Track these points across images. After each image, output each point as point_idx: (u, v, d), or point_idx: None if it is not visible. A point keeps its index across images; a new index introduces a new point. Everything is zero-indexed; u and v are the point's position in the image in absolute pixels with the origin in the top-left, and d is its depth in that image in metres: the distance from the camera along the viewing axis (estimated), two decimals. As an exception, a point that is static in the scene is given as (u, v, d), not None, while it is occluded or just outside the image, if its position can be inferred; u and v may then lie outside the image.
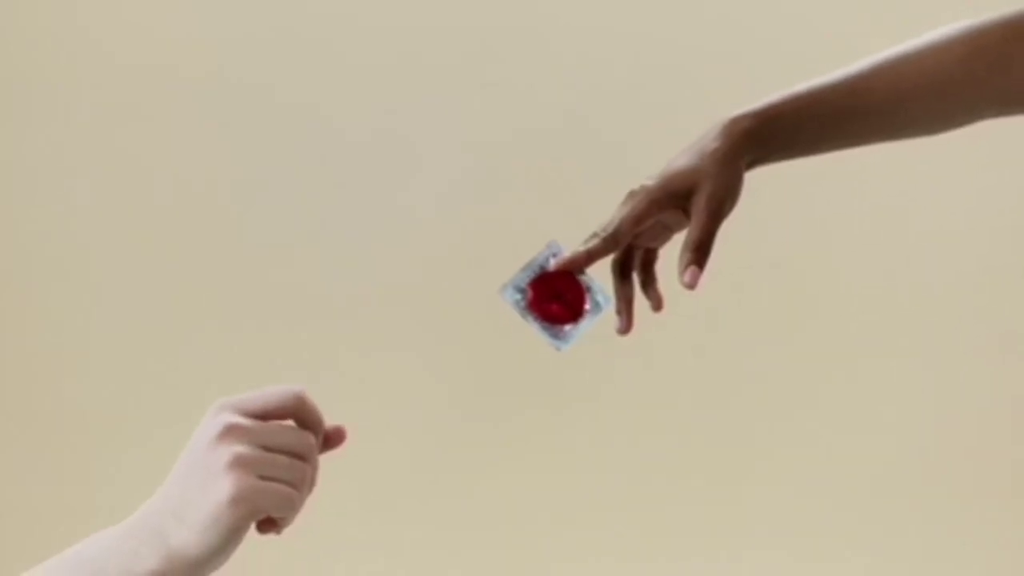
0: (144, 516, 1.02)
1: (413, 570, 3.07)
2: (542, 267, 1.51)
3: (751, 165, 1.54)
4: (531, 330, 1.51)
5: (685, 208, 1.52)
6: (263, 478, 1.01)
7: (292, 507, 1.03)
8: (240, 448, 1.01)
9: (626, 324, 1.54)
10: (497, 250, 3.01)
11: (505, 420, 3.07)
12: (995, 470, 3.01)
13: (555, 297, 1.50)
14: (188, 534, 0.99)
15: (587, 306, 1.50)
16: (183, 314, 3.11)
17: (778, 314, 3.04)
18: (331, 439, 1.09)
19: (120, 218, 3.12)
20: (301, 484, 1.03)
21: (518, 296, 1.50)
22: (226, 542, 0.99)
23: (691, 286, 1.49)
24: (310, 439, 1.05)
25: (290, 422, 1.06)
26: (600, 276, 1.53)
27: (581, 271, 1.51)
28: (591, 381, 2.99)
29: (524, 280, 1.51)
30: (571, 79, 3.06)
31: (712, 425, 3.05)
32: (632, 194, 1.52)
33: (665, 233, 1.56)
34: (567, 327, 1.50)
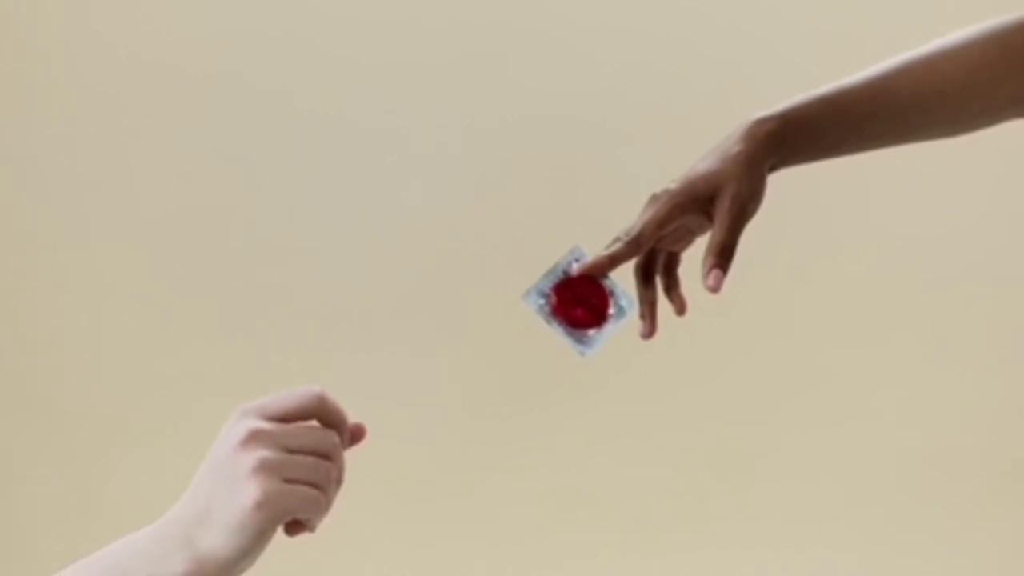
0: (170, 522, 1.03)
1: (424, 568, 3.07)
2: (565, 272, 1.51)
3: (774, 168, 1.54)
4: (555, 335, 1.50)
5: (708, 212, 1.51)
6: (288, 481, 1.01)
7: (318, 508, 1.03)
8: (264, 452, 1.01)
9: (650, 328, 1.54)
10: (502, 249, 3.02)
11: (513, 418, 3.07)
12: (1000, 465, 3.02)
13: (579, 302, 1.50)
14: (216, 538, 1.00)
15: (611, 311, 1.50)
16: (188, 315, 3.11)
17: (781, 309, 3.04)
18: (354, 435, 1.10)
19: (125, 217, 3.12)
20: (327, 484, 1.04)
21: (542, 301, 1.50)
22: (253, 545, 1.00)
23: (715, 290, 1.49)
24: (333, 437, 1.06)
25: (313, 422, 1.07)
26: (623, 280, 1.53)
27: (604, 275, 1.51)
28: (598, 377, 2.99)
29: (547, 285, 1.50)
30: (574, 76, 3.05)
31: (726, 423, 3.06)
32: (655, 198, 1.52)
33: (688, 237, 1.56)
34: (591, 332, 1.49)
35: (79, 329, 3.13)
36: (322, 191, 3.09)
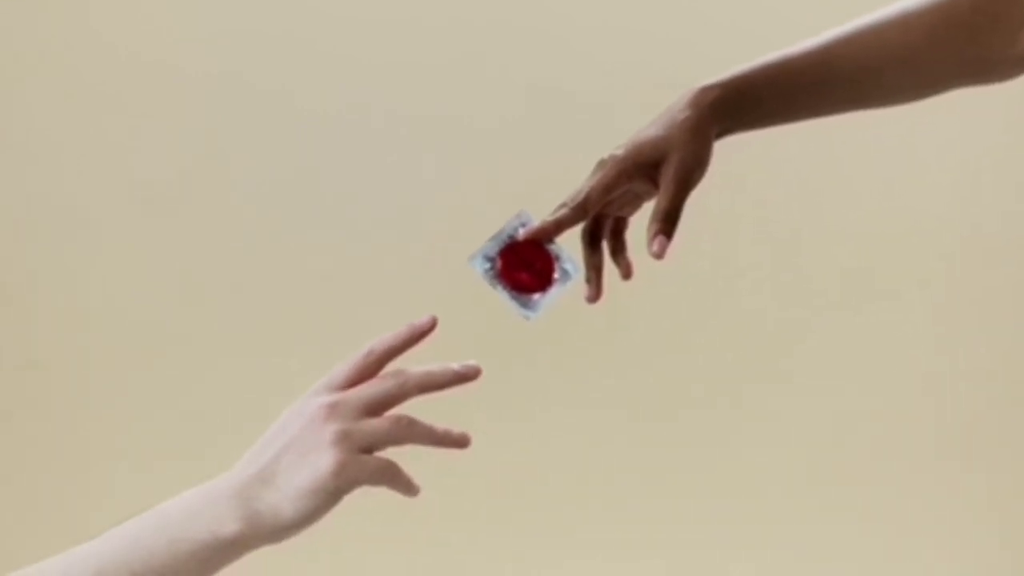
0: (228, 483, 1.09)
1: (422, 567, 3.07)
2: (511, 236, 1.52)
3: (721, 135, 1.54)
4: (500, 300, 1.51)
5: (654, 177, 1.51)
6: (362, 451, 1.10)
7: (388, 478, 1.12)
8: (340, 425, 1.10)
9: (595, 292, 1.54)
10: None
11: (513, 418, 3.06)
12: (1000, 465, 3.01)
13: (524, 266, 1.50)
14: (280, 500, 1.07)
15: (556, 275, 1.50)
16: (188, 315, 3.11)
17: (782, 309, 3.03)
18: (423, 333, 1.26)
19: (125, 217, 3.13)
20: (399, 440, 1.12)
21: (487, 265, 1.51)
22: (318, 510, 1.07)
23: (659, 256, 1.48)
24: (392, 380, 1.15)
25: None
26: (570, 245, 1.53)
27: (550, 240, 1.51)
28: (597, 378, 2.99)
29: (493, 249, 1.51)
30: (574, 76, 3.06)
31: (727, 422, 3.05)
32: (601, 163, 1.53)
33: (635, 202, 1.56)
34: (536, 296, 1.50)
35: (79, 328, 3.13)
36: (322, 191, 3.10)
